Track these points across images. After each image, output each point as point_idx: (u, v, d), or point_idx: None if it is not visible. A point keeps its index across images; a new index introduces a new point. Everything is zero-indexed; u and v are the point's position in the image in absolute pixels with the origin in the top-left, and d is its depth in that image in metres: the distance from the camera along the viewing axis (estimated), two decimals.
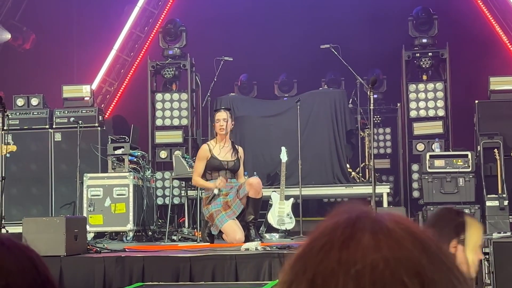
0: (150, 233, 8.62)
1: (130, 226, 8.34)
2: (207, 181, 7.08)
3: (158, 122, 10.21)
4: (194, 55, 10.36)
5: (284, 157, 8.19)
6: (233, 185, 7.11)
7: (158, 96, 10.25)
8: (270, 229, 8.24)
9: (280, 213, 8.23)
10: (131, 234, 8.33)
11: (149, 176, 9.10)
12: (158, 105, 10.22)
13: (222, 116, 7.08)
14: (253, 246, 6.16)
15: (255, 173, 9.32)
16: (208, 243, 7.13)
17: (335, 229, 0.81)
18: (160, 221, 9.17)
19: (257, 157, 9.59)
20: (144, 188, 8.79)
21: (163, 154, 10.08)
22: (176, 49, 10.30)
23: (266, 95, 10.98)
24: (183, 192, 9.29)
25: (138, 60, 11.45)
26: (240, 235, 6.87)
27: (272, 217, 8.22)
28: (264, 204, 8.98)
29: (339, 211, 0.86)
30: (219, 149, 7.08)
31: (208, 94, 9.70)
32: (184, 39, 10.32)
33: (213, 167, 7.06)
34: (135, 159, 8.82)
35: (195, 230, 8.02)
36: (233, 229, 6.93)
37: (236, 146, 7.23)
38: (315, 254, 0.80)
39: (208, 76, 9.94)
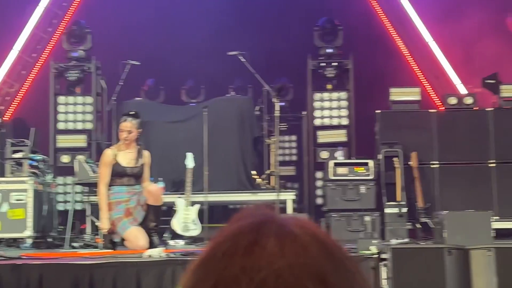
0: (49, 239, 8.35)
1: (28, 232, 8.04)
2: (105, 209, 6.86)
3: (61, 126, 9.93)
4: (100, 58, 10.15)
5: (190, 163, 8.14)
6: (135, 191, 6.99)
7: (61, 99, 9.97)
8: (175, 235, 8.16)
9: (185, 220, 8.17)
10: (29, 241, 8.04)
11: (50, 181, 8.82)
12: (61, 108, 9.94)
13: (126, 127, 6.87)
14: (156, 252, 6.08)
15: (160, 179, 9.23)
16: (111, 250, 6.98)
17: (239, 234, 0.79)
18: (60, 227, 8.89)
19: (163, 163, 9.48)
20: (44, 193, 8.51)
21: (65, 158, 9.81)
22: (81, 51, 10.07)
23: (173, 100, 10.89)
24: (85, 197, 9.06)
25: (40, 62, 11.09)
26: (143, 242, 6.76)
27: (177, 224, 8.15)
28: (169, 210, 8.90)
29: (243, 215, 0.84)
30: (123, 155, 6.92)
31: (114, 98, 9.53)
32: (90, 42, 10.10)
33: (116, 174, 6.90)
34: (35, 163, 8.53)
35: (97, 237, 7.84)
36: (135, 236, 6.81)
37: (143, 151, 7.07)
38: (218, 260, 0.78)
39: (114, 80, 9.77)
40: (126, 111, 7.46)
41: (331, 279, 0.77)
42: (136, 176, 6.97)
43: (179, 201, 8.23)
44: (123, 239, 6.92)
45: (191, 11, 11.40)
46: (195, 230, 8.17)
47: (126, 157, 6.92)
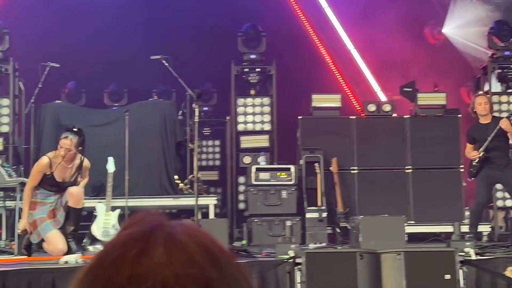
0: None
1: None
2: (26, 210, 6.74)
3: None
4: (18, 60, 9.88)
5: (111, 167, 8.03)
6: (62, 193, 6.88)
7: None
8: (95, 241, 8.03)
9: (106, 225, 8.05)
10: None
11: None
12: None
13: (65, 144, 6.77)
14: (73, 259, 5.99)
15: None
16: (26, 256, 6.81)
17: (128, 243, 0.79)
18: None
19: None
20: None
21: None
22: None
23: (95, 104, 10.73)
24: (1, 202, 8.80)
25: None
26: (62, 246, 6.66)
27: (96, 229, 8.02)
28: (89, 215, 8.75)
29: (134, 221, 0.84)
30: (60, 169, 6.78)
31: (32, 100, 9.30)
32: (7, 42, 9.82)
33: (48, 184, 6.80)
34: None
35: (13, 243, 7.63)
36: (55, 239, 6.70)
37: (82, 160, 6.93)
38: (106, 269, 0.78)
39: (33, 82, 9.54)
40: (70, 126, 7.25)
41: (217, 287, 0.78)
42: (68, 186, 6.85)
43: (99, 206, 8.11)
44: (41, 241, 6.78)
45: (114, 14, 11.27)
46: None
47: (62, 169, 6.78)
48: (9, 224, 8.35)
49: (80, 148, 6.90)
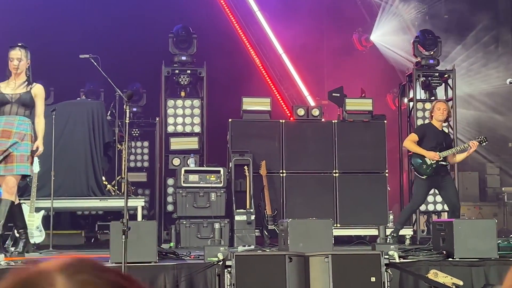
0: None
1: None
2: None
3: None
4: None
5: (35, 167, 7.84)
6: (12, 130, 6.39)
7: None
8: (17, 242, 7.82)
9: (29, 226, 7.85)
10: None
11: None
12: None
13: (16, 55, 6.55)
14: None
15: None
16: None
17: None
18: None
19: None
20: None
21: None
22: None
23: None
24: None
25: None
26: None
27: None
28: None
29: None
30: (7, 85, 6.52)
31: None
32: None
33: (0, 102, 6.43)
34: None
35: None
36: None
37: (33, 83, 6.60)
38: None
39: None
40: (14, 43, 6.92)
41: None
42: (21, 103, 6.45)
43: (23, 207, 7.91)
44: None
45: (43, 11, 11.02)
46: (39, 237, 7.89)
47: (11, 86, 6.50)
48: None
49: (29, 61, 6.63)
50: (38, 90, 6.60)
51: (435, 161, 7.74)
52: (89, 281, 0.81)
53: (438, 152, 7.76)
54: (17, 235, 7.01)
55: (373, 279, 4.79)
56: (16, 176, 6.47)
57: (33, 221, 7.89)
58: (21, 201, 8.09)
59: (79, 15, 11.20)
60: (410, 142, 7.90)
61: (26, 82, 6.57)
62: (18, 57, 6.57)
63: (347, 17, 12.14)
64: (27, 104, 6.48)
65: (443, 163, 7.81)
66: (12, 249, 7.61)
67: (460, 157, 8.00)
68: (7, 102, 6.45)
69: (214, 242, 6.22)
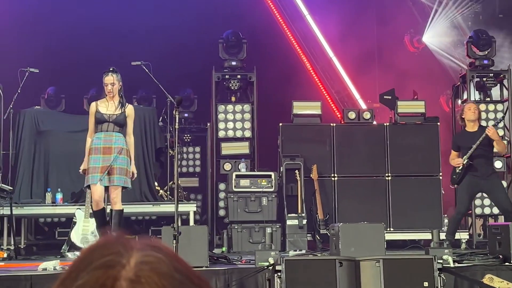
0: None
1: None
2: (87, 155, 7.06)
3: None
4: None
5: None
6: (112, 146, 6.95)
7: None
8: (73, 247, 7.98)
9: (84, 231, 8.01)
10: None
11: None
12: None
13: (109, 81, 7.10)
14: (51, 265, 5.95)
15: (59, 189, 9.01)
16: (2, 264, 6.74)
17: None
18: None
19: (62, 173, 9.28)
20: None
21: None
22: None
23: (74, 109, 10.65)
24: None
25: None
26: (98, 198, 6.87)
27: (75, 235, 7.99)
28: (68, 222, 8.70)
29: (95, 254, 0.80)
30: (104, 104, 7.11)
31: (11, 106, 9.22)
32: None
33: (97, 121, 7.05)
34: None
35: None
36: (94, 191, 6.87)
37: (126, 104, 7.18)
38: None
39: (11, 87, 9.46)
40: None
41: None
42: (116, 123, 7.03)
43: (79, 213, 8.08)
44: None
45: (93, 20, 11.23)
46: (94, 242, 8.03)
47: (108, 106, 7.07)
48: None
49: (121, 84, 7.18)
50: (130, 111, 7.19)
51: (460, 167, 7.63)
52: (159, 265, 0.81)
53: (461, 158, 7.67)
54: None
55: (425, 284, 4.70)
56: (118, 187, 7.00)
57: (88, 226, 8.03)
58: (77, 207, 8.26)
59: (132, 22, 11.37)
60: (452, 160, 7.83)
61: (121, 104, 7.13)
62: (111, 82, 7.09)
63: (398, 18, 11.99)
64: (121, 124, 7.08)
65: (473, 162, 7.64)
66: (68, 254, 7.78)
67: (497, 146, 7.77)
68: (105, 121, 7.03)
69: (265, 246, 6.21)
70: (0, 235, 8.31)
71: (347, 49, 11.60)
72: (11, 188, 8.54)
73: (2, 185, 8.09)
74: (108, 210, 7.19)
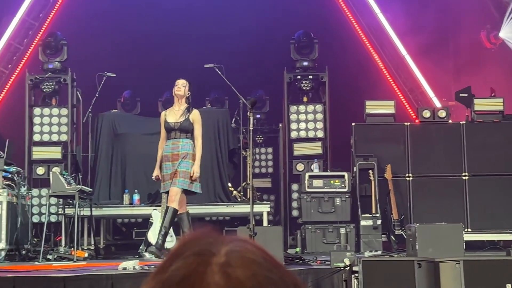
0: (24, 252, 8.28)
1: (2, 245, 7.97)
2: (158, 162, 7.43)
3: (36, 138, 9.88)
4: (76, 70, 10.13)
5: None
6: (179, 152, 7.22)
7: (37, 110, 9.93)
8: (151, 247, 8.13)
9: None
10: (3, 253, 7.97)
11: (25, 193, 8.76)
12: (36, 120, 9.90)
13: (181, 82, 7.49)
14: (131, 265, 6.08)
15: (136, 191, 9.22)
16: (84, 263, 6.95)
17: (184, 279, 0.78)
18: (35, 239, 8.83)
19: (139, 174, 9.48)
20: (19, 205, 8.45)
21: (40, 170, 9.75)
22: (57, 63, 10.04)
23: (149, 112, 10.87)
24: (60, 209, 9.02)
25: (16, 73, 11.04)
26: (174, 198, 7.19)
27: (152, 236, 8.13)
28: (144, 222, 8.88)
29: (187, 246, 0.82)
30: (172, 113, 7.45)
31: (90, 110, 9.51)
32: (65, 53, 10.07)
33: (166, 130, 7.39)
34: (9, 175, 8.47)
35: (72, 249, 7.80)
36: (170, 193, 7.24)
37: (192, 109, 7.44)
38: None
39: (90, 91, 9.75)
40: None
41: None
42: (182, 130, 7.34)
43: (155, 213, 8.23)
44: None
45: (166, 24, 11.44)
46: (170, 242, 8.16)
47: (173, 114, 7.42)
48: (69, 231, 8.53)
49: (189, 92, 7.48)
50: (195, 116, 7.43)
51: None
52: (248, 253, 0.83)
53: None
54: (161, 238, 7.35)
55: (508, 286, 4.57)
56: (178, 188, 7.24)
57: None
58: (153, 208, 8.43)
59: (204, 25, 11.52)
60: None
61: (187, 110, 7.40)
62: (183, 84, 7.48)
63: (474, 13, 11.70)
64: (187, 130, 7.35)
65: None
66: (146, 254, 7.94)
67: None
68: (172, 129, 7.35)
69: (340, 247, 6.18)
70: (81, 235, 8.56)
71: (420, 47, 11.40)
72: (91, 189, 8.79)
73: (82, 187, 8.33)
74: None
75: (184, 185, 7.22)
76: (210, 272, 0.78)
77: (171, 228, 8.21)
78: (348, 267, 4.99)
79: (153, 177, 7.50)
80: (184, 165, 7.23)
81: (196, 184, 7.34)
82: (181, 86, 7.44)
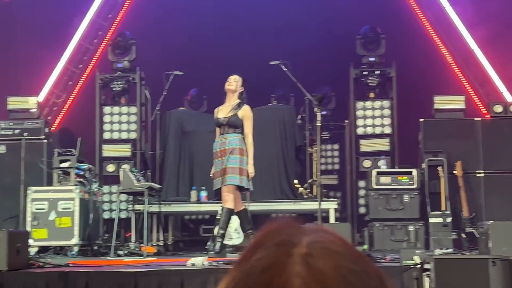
0: (95, 247, 8.49)
1: (75, 240, 8.20)
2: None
3: (106, 136, 10.11)
4: (144, 69, 10.30)
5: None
6: (226, 147, 7.21)
7: (107, 109, 10.15)
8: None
9: (228, 228, 8.20)
10: (76, 248, 8.20)
11: (96, 189, 8.98)
12: (106, 118, 10.12)
13: (233, 77, 7.53)
14: (200, 261, 6.14)
15: (203, 187, 9.31)
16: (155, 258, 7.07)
17: (265, 270, 0.78)
18: (106, 235, 9.04)
19: (206, 172, 9.53)
20: (90, 201, 8.67)
21: (110, 167, 9.97)
22: (126, 62, 10.24)
23: None
24: (130, 206, 9.20)
25: (86, 73, 11.31)
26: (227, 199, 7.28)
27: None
28: (211, 219, 8.96)
29: (268, 235, 0.82)
30: (223, 108, 7.47)
31: (158, 108, 9.65)
32: (134, 52, 10.26)
33: (217, 126, 7.44)
34: (81, 173, 8.70)
35: (141, 245, 7.94)
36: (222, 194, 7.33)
37: (241, 105, 7.42)
38: None
39: (158, 90, 9.90)
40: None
41: None
42: (230, 125, 7.34)
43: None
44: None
45: (232, 22, 11.50)
46: (237, 239, 8.20)
47: (224, 110, 7.45)
48: (138, 227, 8.69)
49: (242, 88, 7.46)
50: (245, 112, 7.40)
51: None
52: (330, 244, 0.82)
53: None
54: (216, 234, 7.37)
55: None
56: (228, 186, 7.21)
57: (232, 223, 8.21)
58: (220, 205, 8.49)
59: (268, 22, 11.52)
60: None
61: (237, 105, 7.38)
62: (235, 79, 7.50)
63: None
64: (234, 125, 7.32)
65: None
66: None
67: None
68: (221, 124, 7.34)
69: (410, 244, 6.08)
70: (150, 231, 8.71)
71: (490, 40, 11.09)
72: (160, 186, 8.92)
73: (151, 183, 8.47)
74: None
75: (234, 181, 7.15)
76: (292, 262, 0.78)
77: (238, 224, 8.26)
78: (420, 265, 4.91)
79: (211, 175, 7.51)
80: (232, 161, 7.18)
81: (246, 179, 7.26)
82: (233, 82, 7.43)
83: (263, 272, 0.78)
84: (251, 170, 7.22)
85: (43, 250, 8.17)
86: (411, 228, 8.71)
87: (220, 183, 7.24)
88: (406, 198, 8.97)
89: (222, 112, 7.39)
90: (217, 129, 7.45)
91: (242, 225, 7.64)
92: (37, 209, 8.24)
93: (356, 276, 0.79)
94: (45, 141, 9.26)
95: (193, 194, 9.31)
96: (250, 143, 7.29)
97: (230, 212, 7.28)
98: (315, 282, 0.76)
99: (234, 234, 8.22)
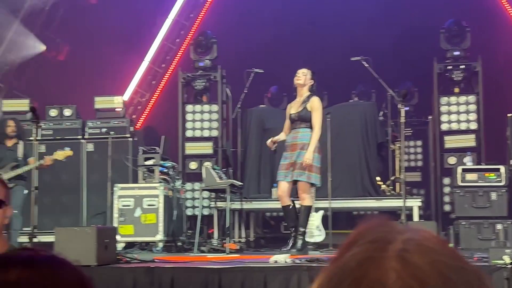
0: (179, 244, 8.64)
1: (160, 236, 8.37)
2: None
3: (189, 133, 10.26)
4: (225, 67, 10.40)
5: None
6: (297, 142, 7.17)
7: (189, 107, 10.31)
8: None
9: (310, 226, 8.17)
10: (160, 244, 8.37)
11: (179, 187, 9.13)
12: (189, 117, 10.28)
13: (301, 71, 7.41)
14: (282, 258, 6.15)
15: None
16: (237, 255, 7.12)
17: (360, 267, 0.77)
18: (189, 232, 9.19)
19: None
20: (174, 198, 8.83)
21: (193, 165, 10.13)
22: (207, 61, 10.36)
23: None
24: (212, 203, 9.31)
25: (169, 72, 11.53)
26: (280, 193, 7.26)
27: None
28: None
29: (363, 234, 0.82)
30: (295, 104, 7.42)
31: (239, 105, 9.73)
32: (215, 51, 10.37)
33: (291, 121, 7.36)
34: (165, 170, 8.87)
35: (224, 242, 8.03)
36: (279, 189, 7.30)
37: (311, 98, 7.29)
38: None
39: (238, 87, 9.98)
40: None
41: None
42: (300, 119, 7.25)
43: None
44: None
45: (312, 19, 11.45)
46: (319, 236, 8.18)
47: (295, 105, 7.39)
48: (221, 224, 8.78)
49: (312, 81, 7.34)
50: (313, 103, 7.25)
51: None
52: (427, 241, 0.80)
53: None
54: (293, 233, 7.34)
55: None
56: (303, 183, 7.12)
57: (313, 221, 8.19)
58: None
59: (349, 16, 11.41)
60: None
61: (307, 98, 7.26)
62: (303, 73, 7.36)
63: None
64: (305, 119, 7.22)
65: None
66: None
67: None
68: (294, 120, 7.28)
69: (499, 244, 5.89)
70: (232, 228, 8.78)
71: None
72: (241, 183, 8.99)
73: (233, 181, 8.54)
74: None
75: (301, 176, 7.06)
76: (387, 257, 0.77)
77: (320, 222, 8.23)
78: (510, 265, 4.74)
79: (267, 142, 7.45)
80: (303, 157, 7.09)
81: (316, 175, 7.11)
82: (301, 75, 7.32)
83: (358, 266, 0.78)
84: (309, 157, 7.00)
85: (129, 245, 8.38)
86: (499, 226, 8.44)
87: (283, 176, 7.16)
88: (493, 195, 8.69)
89: (294, 108, 7.35)
90: (287, 123, 7.41)
91: (286, 220, 7.65)
92: (123, 205, 8.45)
93: (454, 272, 0.78)
94: (130, 139, 9.49)
95: (274, 191, 9.32)
96: (316, 133, 7.16)
97: (309, 209, 7.24)
98: (411, 277, 0.75)
99: (316, 231, 8.20)
